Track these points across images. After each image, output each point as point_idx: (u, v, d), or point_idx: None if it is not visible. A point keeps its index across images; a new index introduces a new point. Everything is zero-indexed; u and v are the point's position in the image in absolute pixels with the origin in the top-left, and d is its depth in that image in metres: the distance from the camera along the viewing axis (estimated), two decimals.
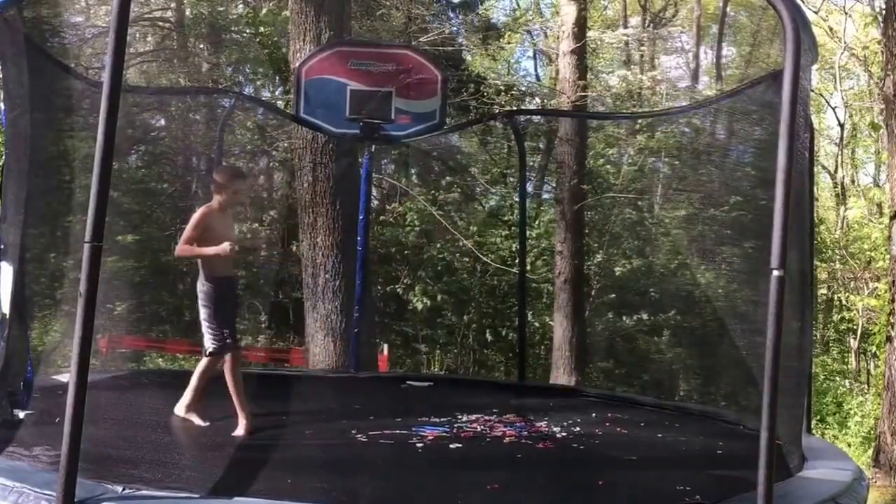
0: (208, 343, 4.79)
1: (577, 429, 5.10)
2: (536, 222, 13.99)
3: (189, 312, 10.33)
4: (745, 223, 6.51)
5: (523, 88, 15.12)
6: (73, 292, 3.00)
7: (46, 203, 5.19)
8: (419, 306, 12.91)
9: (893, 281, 7.92)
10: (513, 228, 13.53)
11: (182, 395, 4.90)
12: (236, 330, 5.01)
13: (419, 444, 4.47)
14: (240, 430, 4.61)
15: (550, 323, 11.91)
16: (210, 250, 4.67)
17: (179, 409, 4.86)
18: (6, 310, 3.96)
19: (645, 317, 13.08)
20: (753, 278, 5.17)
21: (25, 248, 4.20)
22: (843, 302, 16.29)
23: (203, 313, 4.80)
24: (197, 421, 4.83)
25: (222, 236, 4.77)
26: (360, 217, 7.44)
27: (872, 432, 9.17)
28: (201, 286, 4.80)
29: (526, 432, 4.93)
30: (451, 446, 4.47)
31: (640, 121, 12.55)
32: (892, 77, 7.63)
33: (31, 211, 4.21)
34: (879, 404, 8.33)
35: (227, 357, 4.80)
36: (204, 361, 4.86)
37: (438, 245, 13.73)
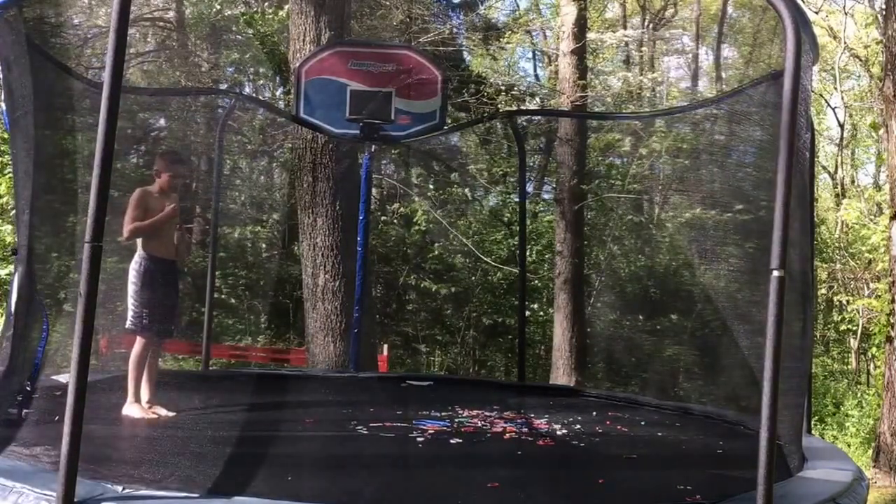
0: (127, 321, 4.81)
1: (578, 427, 5.10)
2: (536, 222, 13.99)
3: (189, 312, 10.32)
4: (746, 223, 6.50)
5: (523, 88, 15.12)
6: (74, 292, 3.00)
7: (49, 203, 5.19)
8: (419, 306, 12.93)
9: (893, 281, 7.93)
10: (513, 228, 13.53)
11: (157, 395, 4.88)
12: (164, 318, 4.93)
13: (419, 439, 4.47)
14: (125, 409, 4.67)
15: (551, 322, 11.91)
16: (159, 217, 4.80)
17: (132, 409, 4.72)
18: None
19: (645, 317, 13.07)
20: (754, 278, 5.17)
21: (32, 248, 4.21)
22: (844, 302, 16.29)
23: (129, 289, 4.81)
24: (163, 413, 4.78)
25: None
26: (361, 217, 7.44)
27: (872, 432, 9.17)
28: (134, 263, 4.83)
29: (526, 429, 4.93)
30: (452, 441, 4.47)
31: (638, 123, 12.55)
32: (891, 77, 7.62)
33: (36, 211, 4.21)
34: (879, 404, 8.34)
35: (138, 339, 4.78)
36: (134, 349, 4.81)
37: (439, 245, 13.73)
